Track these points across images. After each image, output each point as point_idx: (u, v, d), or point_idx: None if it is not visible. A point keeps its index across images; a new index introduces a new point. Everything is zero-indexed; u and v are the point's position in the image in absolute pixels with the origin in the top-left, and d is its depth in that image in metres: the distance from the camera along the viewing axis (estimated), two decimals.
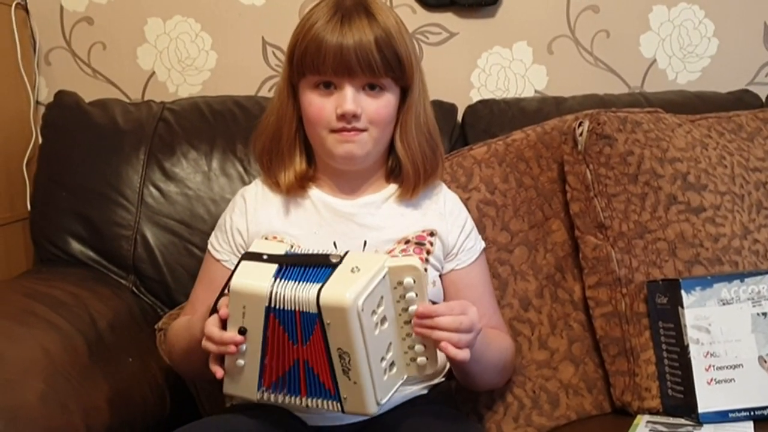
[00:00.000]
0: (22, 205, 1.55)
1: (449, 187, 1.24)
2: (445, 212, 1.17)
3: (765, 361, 1.10)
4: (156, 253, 1.42)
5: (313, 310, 0.89)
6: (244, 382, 0.95)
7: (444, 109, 1.59)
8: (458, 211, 1.19)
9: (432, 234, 1.13)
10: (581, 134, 1.27)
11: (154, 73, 1.71)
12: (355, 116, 1.05)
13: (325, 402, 0.94)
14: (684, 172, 1.26)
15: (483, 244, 1.21)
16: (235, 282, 0.92)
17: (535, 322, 1.27)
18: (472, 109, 1.63)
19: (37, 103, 1.66)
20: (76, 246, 1.42)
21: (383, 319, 0.92)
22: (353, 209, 1.13)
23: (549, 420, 1.23)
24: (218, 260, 1.15)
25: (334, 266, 0.92)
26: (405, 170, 1.12)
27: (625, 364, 1.21)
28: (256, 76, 1.71)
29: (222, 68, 1.71)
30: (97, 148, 1.44)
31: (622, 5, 1.76)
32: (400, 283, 0.92)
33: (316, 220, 1.13)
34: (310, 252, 0.96)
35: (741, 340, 1.10)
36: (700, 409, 1.09)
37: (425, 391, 1.13)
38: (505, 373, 1.18)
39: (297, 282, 0.91)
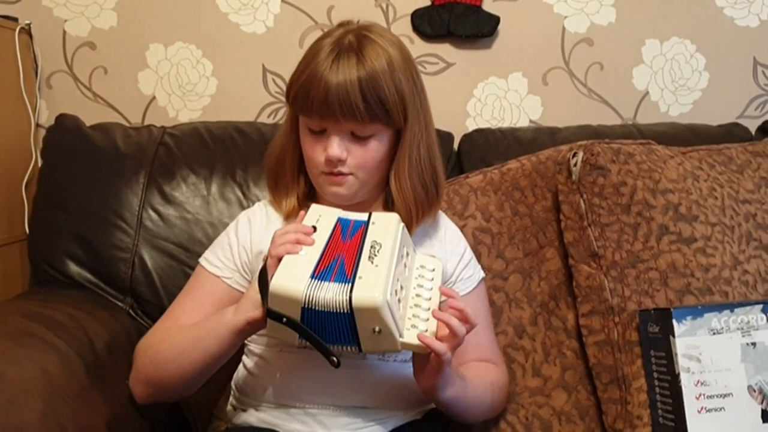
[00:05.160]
0: (20, 226, 1.56)
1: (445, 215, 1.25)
2: (445, 240, 1.18)
3: (754, 391, 1.11)
4: (154, 276, 1.42)
5: (363, 217, 1.06)
6: (298, 271, 0.95)
7: (441, 138, 1.59)
8: (458, 240, 1.20)
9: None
10: (575, 164, 1.29)
11: (154, 97, 1.73)
12: (341, 161, 1.06)
13: (338, 286, 0.93)
14: (675, 203, 1.28)
15: (482, 274, 1.22)
16: (314, 206, 1.07)
17: (529, 349, 1.28)
18: (468, 137, 1.65)
19: (38, 125, 1.67)
20: (73, 268, 1.42)
21: (405, 264, 1.03)
22: None
23: None
24: (217, 276, 1.14)
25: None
26: (397, 209, 1.11)
27: (617, 392, 1.22)
28: (256, 103, 1.74)
29: (222, 94, 1.73)
30: (97, 171, 1.45)
31: (615, 39, 1.80)
32: (423, 266, 1.06)
33: None
34: None
35: (731, 369, 1.12)
36: None
37: (419, 417, 1.14)
38: (495, 407, 1.19)
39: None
